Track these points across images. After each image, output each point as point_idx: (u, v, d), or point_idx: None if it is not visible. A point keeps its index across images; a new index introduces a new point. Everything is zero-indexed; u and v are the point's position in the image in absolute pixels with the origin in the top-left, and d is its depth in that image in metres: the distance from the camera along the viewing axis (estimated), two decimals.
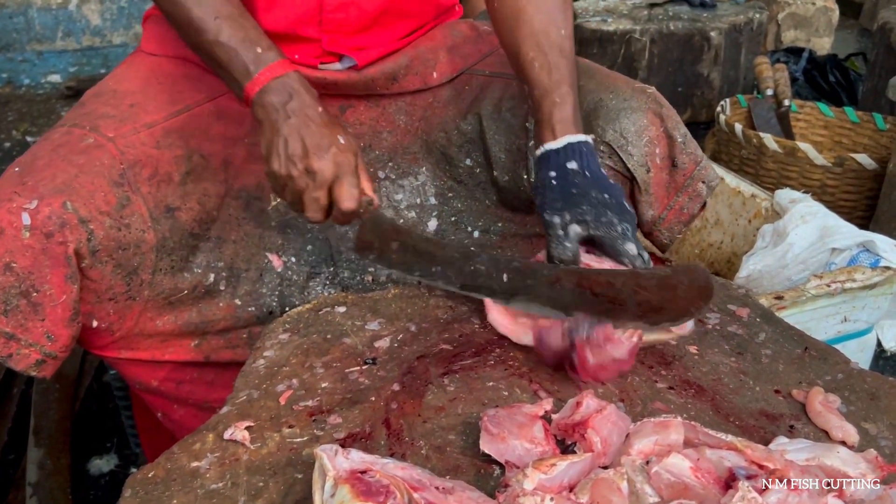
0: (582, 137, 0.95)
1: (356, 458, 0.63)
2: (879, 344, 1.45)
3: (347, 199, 0.92)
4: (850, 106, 2.53)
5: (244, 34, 0.94)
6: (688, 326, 0.86)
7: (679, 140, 1.07)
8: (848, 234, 1.43)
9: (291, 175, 0.92)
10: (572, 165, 0.93)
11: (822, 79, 3.02)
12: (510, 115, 1.13)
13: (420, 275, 0.95)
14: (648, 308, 0.83)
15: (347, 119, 1.16)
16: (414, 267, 0.94)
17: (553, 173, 0.94)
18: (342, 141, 0.93)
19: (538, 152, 0.97)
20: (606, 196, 0.91)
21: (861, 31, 4.36)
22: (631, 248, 0.89)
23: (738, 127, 2.24)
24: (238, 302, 1.09)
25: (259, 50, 0.94)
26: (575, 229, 0.90)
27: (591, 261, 0.91)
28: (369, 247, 0.95)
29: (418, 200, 1.17)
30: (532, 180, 1.09)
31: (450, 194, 1.18)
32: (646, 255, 0.90)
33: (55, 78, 3.56)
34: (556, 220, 0.91)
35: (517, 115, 1.12)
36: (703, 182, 1.10)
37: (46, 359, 0.91)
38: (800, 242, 1.45)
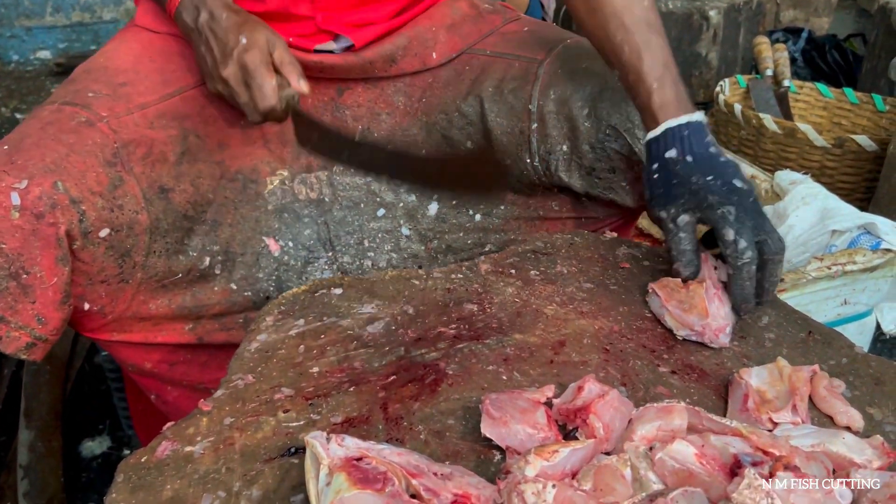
0: (683, 119, 0.89)
1: (350, 444, 0.62)
2: (879, 327, 1.44)
3: (260, 99, 0.93)
4: (848, 87, 2.52)
5: None
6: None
7: None
8: (849, 216, 1.42)
9: (218, 90, 0.96)
10: (671, 154, 0.89)
11: (821, 59, 3.00)
12: (512, 97, 1.11)
13: (341, 160, 1.09)
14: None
15: (345, 101, 1.13)
16: (335, 154, 1.06)
17: (655, 165, 0.90)
18: (244, 40, 0.92)
19: (643, 142, 0.94)
20: (710, 178, 0.86)
21: (859, 11, 4.33)
22: (728, 233, 0.83)
23: (738, 107, 2.22)
24: (234, 286, 1.07)
25: None
26: (684, 219, 0.87)
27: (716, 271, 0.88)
28: (306, 140, 1.04)
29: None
30: (535, 164, 1.08)
31: None
32: (742, 245, 0.82)
33: (45, 54, 3.50)
34: (664, 214, 0.89)
35: (519, 97, 1.10)
36: None
37: (36, 342, 0.89)
38: (800, 224, 1.44)
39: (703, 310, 0.83)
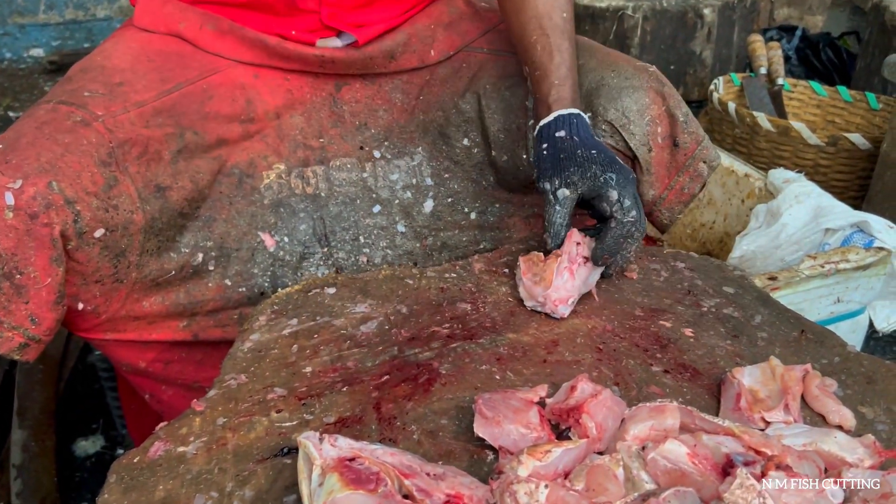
0: (574, 110, 0.97)
1: (343, 444, 0.62)
2: (871, 325, 1.44)
3: None
4: (842, 85, 2.52)
5: None
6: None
7: (681, 119, 1.06)
8: (842, 214, 1.42)
9: None
10: (560, 133, 0.95)
11: (815, 57, 3.00)
12: (509, 94, 1.11)
13: None
14: None
15: (343, 97, 1.13)
16: None
17: (545, 144, 0.96)
18: None
19: (535, 131, 0.99)
20: (594, 152, 0.92)
21: (853, 9, 4.33)
22: (612, 194, 0.89)
23: (732, 105, 2.22)
24: (228, 282, 1.06)
25: None
26: (564, 192, 0.92)
27: (580, 240, 0.91)
28: None
29: (414, 181, 1.15)
30: (532, 160, 1.08)
31: (446, 175, 1.16)
32: (626, 203, 0.89)
33: (38, 52, 3.49)
34: (547, 186, 0.93)
35: (517, 94, 1.10)
36: (704, 162, 1.09)
37: (30, 342, 0.89)
38: (793, 223, 1.44)
39: (549, 282, 0.87)
